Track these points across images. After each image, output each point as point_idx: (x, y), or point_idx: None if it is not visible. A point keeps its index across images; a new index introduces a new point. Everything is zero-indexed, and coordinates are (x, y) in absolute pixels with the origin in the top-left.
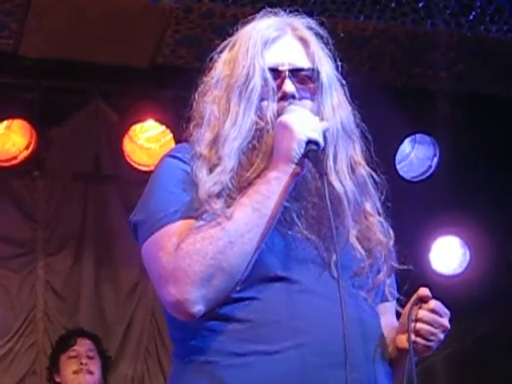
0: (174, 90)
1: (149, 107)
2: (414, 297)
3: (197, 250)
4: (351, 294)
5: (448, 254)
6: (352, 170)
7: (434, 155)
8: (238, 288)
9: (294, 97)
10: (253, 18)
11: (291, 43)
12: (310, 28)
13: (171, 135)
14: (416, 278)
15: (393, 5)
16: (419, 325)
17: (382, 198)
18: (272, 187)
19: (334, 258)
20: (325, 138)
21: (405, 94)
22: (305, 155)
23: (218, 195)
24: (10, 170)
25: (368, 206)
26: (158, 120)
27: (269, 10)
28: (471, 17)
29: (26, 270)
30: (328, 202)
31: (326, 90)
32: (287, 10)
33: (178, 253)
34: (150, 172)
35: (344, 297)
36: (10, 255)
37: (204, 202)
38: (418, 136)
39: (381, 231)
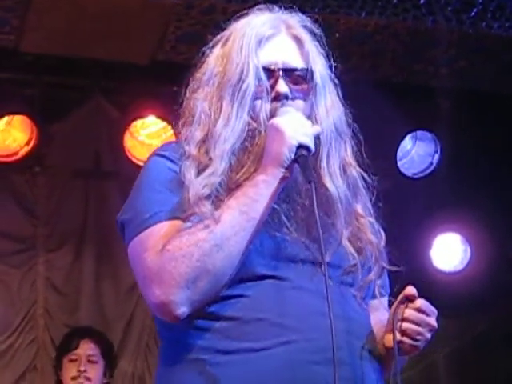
0: (174, 86)
1: (149, 103)
2: (401, 296)
3: (183, 252)
4: (341, 293)
5: (449, 251)
6: (343, 170)
7: (435, 152)
8: (226, 287)
9: (287, 97)
10: (246, 13)
11: (285, 42)
12: (305, 26)
13: (172, 131)
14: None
15: (394, 1)
16: (405, 324)
17: (373, 198)
18: (260, 190)
19: (324, 258)
20: (318, 139)
21: (406, 90)
22: (294, 160)
23: (207, 198)
24: (11, 166)
25: (359, 208)
26: (158, 116)
27: (263, 6)
28: (473, 13)
29: (27, 266)
30: (316, 211)
31: (320, 90)
32: (282, 7)
33: (163, 254)
34: None
35: (333, 295)
36: (10, 251)
37: (193, 204)
38: (419, 133)
39: (372, 232)
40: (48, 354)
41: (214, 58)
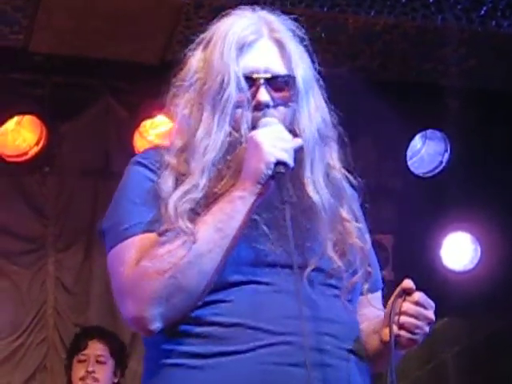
0: None
1: (159, 103)
2: (398, 289)
3: (156, 268)
4: (326, 297)
5: (459, 250)
6: (328, 175)
7: (445, 151)
8: (206, 294)
9: (268, 106)
10: (229, 13)
11: (267, 47)
12: (287, 28)
13: None
14: (427, 275)
15: (403, 0)
16: (403, 318)
17: (360, 200)
18: (236, 207)
19: (305, 263)
20: (301, 149)
21: (415, 89)
22: (271, 177)
23: (186, 213)
24: (21, 166)
25: (344, 212)
26: (168, 116)
27: (246, 6)
28: (482, 12)
29: (37, 266)
30: (290, 232)
31: (302, 95)
32: (265, 7)
33: (138, 269)
34: None
35: (318, 299)
36: (20, 251)
37: (170, 218)
38: (428, 132)
39: (357, 236)
40: (58, 354)
41: (195, 62)
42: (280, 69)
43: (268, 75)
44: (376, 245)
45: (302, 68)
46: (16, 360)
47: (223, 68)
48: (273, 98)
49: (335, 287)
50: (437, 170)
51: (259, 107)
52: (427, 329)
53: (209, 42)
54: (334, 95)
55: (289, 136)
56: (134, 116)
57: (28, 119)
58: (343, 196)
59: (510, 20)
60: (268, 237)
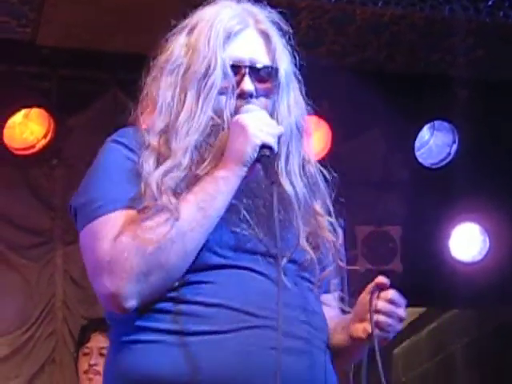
0: None
1: None
2: (372, 284)
3: (136, 244)
4: (300, 287)
5: (467, 241)
6: (303, 167)
7: (453, 142)
8: (185, 275)
9: (251, 95)
10: (211, 2)
11: (253, 37)
12: (272, 21)
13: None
14: (436, 266)
15: None
16: (377, 316)
17: (333, 195)
18: (219, 187)
19: (281, 253)
20: (278, 139)
21: (423, 80)
22: (257, 160)
23: (168, 191)
24: (28, 159)
25: (317, 206)
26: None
27: None
28: (490, 2)
29: (45, 259)
30: (276, 212)
31: (284, 88)
32: None
33: (116, 245)
34: None
35: (293, 289)
36: (28, 244)
37: (152, 195)
38: (436, 123)
39: (329, 230)
40: (67, 347)
41: (178, 47)
42: (264, 60)
43: (253, 65)
44: (384, 236)
45: (285, 61)
46: (25, 353)
47: (209, 54)
48: (256, 89)
49: (308, 281)
50: (445, 161)
51: (243, 96)
52: (399, 327)
53: (193, 28)
54: (342, 86)
55: (274, 122)
56: None
57: (35, 112)
58: (317, 190)
59: None
60: (249, 223)
